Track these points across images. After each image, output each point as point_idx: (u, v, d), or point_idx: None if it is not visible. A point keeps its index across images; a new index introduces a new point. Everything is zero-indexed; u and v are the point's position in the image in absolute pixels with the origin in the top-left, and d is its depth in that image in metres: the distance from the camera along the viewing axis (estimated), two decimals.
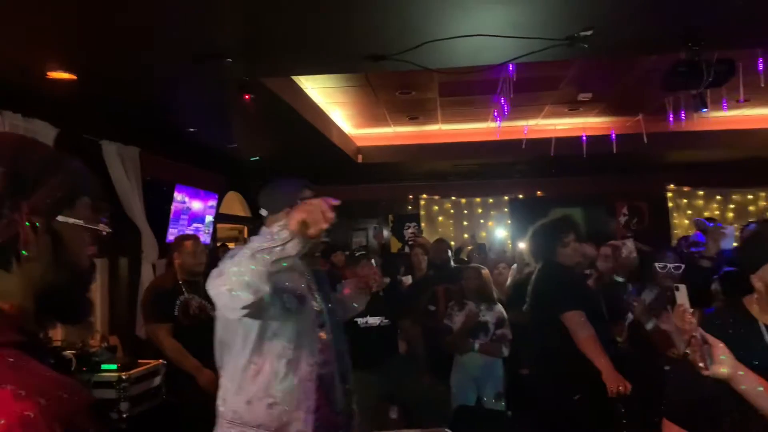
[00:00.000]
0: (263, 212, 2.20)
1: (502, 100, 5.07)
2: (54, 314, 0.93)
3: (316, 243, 2.00)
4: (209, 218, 6.70)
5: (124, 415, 3.56)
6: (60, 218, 0.91)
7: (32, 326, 0.88)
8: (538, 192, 9.45)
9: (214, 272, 1.78)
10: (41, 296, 0.89)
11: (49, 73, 3.47)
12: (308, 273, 2.21)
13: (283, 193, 2.20)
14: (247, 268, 1.68)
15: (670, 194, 9.32)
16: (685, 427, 1.82)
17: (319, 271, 2.34)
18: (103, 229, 0.98)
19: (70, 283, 0.92)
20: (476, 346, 4.20)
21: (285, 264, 1.72)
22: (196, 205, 6.49)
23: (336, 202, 1.74)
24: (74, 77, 3.55)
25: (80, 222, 0.93)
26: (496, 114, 6.08)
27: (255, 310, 1.78)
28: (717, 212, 9.03)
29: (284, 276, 1.95)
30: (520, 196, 9.53)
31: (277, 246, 1.67)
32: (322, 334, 2.13)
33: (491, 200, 9.62)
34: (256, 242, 1.72)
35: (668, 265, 3.50)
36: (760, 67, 4.09)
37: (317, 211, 1.68)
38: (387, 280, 2.17)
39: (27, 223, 0.85)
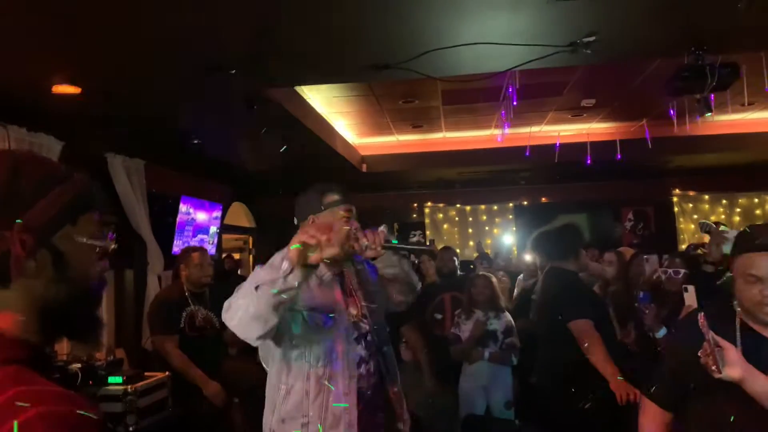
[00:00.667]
0: (296, 221, 2.13)
1: (506, 107, 5.07)
2: (60, 331, 0.92)
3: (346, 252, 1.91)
4: (213, 229, 6.71)
5: (131, 429, 3.53)
6: (61, 235, 0.90)
7: (37, 342, 0.88)
8: (543, 198, 9.43)
9: (225, 305, 1.78)
10: (45, 313, 0.88)
11: (54, 87, 3.49)
12: (353, 273, 2.11)
13: (307, 200, 2.10)
14: (252, 301, 1.65)
15: (675, 199, 9.27)
16: (665, 408, 1.87)
17: (363, 267, 2.19)
18: (109, 245, 0.98)
19: (75, 299, 0.91)
20: (487, 355, 4.18)
21: (291, 294, 1.64)
22: (201, 217, 6.50)
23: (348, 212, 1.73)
24: (79, 90, 3.56)
25: (83, 239, 0.92)
26: (499, 121, 6.08)
27: (273, 337, 1.77)
28: (723, 216, 8.98)
29: (311, 293, 1.90)
30: (525, 202, 9.50)
31: (278, 279, 1.61)
32: (359, 348, 2.02)
33: (496, 207, 9.60)
34: (259, 274, 1.67)
35: (668, 270, 3.48)
36: None
37: (323, 231, 1.62)
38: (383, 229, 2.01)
39: (21, 240, 0.84)
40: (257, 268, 1.73)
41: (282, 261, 1.62)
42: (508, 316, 4.35)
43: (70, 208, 0.92)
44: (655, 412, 1.89)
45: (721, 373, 1.57)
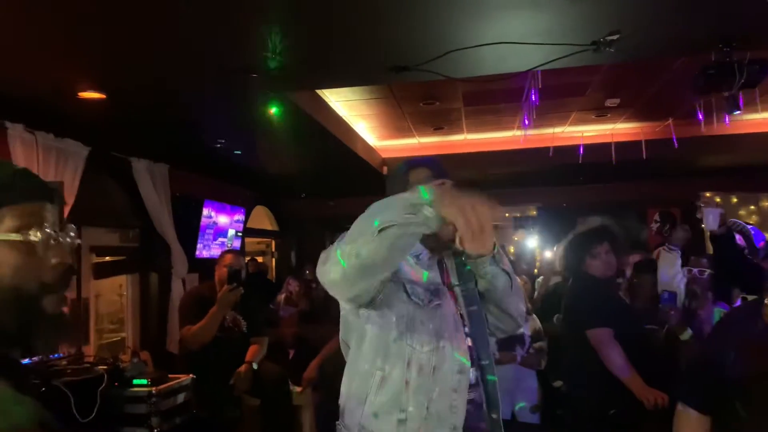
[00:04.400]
0: None
1: (528, 107, 5.02)
2: (3, 338, 0.84)
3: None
4: (232, 232, 6.78)
5: (156, 430, 3.57)
6: None
7: None
8: (567, 200, 9.32)
9: (323, 256, 1.51)
10: (14, 311, 0.83)
11: (80, 93, 3.55)
12: (449, 263, 1.78)
13: (394, 177, 1.81)
14: (369, 244, 1.34)
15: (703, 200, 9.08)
16: (701, 411, 1.78)
17: (462, 264, 1.79)
18: (29, 237, 0.86)
19: (7, 304, 0.83)
20: (519, 358, 4.13)
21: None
22: (222, 220, 6.57)
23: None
24: (104, 96, 3.61)
25: (3, 235, 0.85)
26: (522, 122, 6.03)
27: (370, 297, 1.53)
28: (755, 217, 8.78)
29: (409, 268, 1.65)
30: (548, 204, 9.40)
31: (413, 223, 1.31)
32: (468, 340, 1.68)
33: (519, 209, 9.51)
34: (383, 214, 1.35)
35: (693, 269, 3.41)
36: None
37: (484, 220, 1.38)
38: None
39: None
40: (372, 207, 1.42)
41: (421, 206, 1.33)
42: (536, 319, 4.29)
43: None
44: (693, 420, 1.80)
45: None
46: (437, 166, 1.76)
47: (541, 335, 4.20)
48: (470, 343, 1.67)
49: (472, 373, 1.64)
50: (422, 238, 1.45)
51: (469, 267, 1.74)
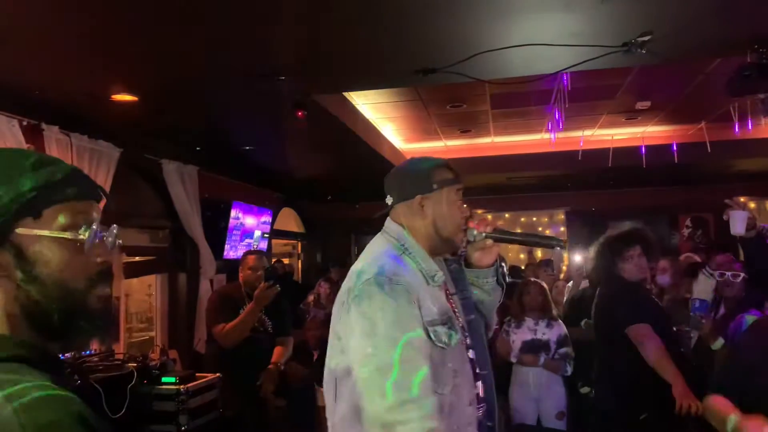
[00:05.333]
0: (388, 200, 1.72)
1: (557, 110, 4.97)
2: (42, 333, 0.85)
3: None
4: (257, 233, 6.84)
5: (183, 428, 3.62)
6: (20, 231, 0.84)
7: (36, 342, 0.84)
8: (596, 204, 9.19)
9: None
10: (26, 314, 0.84)
11: (113, 96, 3.63)
12: (445, 271, 1.70)
13: (413, 176, 1.69)
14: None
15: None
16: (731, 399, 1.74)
17: (460, 272, 1.75)
18: (84, 236, 0.87)
19: (52, 300, 0.84)
20: (542, 361, 4.09)
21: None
22: (249, 221, 6.64)
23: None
24: (136, 99, 3.69)
25: (46, 233, 0.85)
26: (550, 125, 5.97)
27: None
28: None
29: (428, 298, 1.54)
30: (578, 208, 9.28)
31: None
32: (470, 353, 1.63)
33: (546, 213, 9.41)
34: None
35: (726, 273, 3.31)
36: None
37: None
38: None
39: None
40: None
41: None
42: (561, 325, 4.24)
43: (26, 201, 0.84)
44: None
45: None
46: (458, 171, 1.73)
47: (567, 341, 4.15)
48: (471, 356, 1.63)
49: (477, 389, 1.61)
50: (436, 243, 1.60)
51: (470, 277, 1.76)
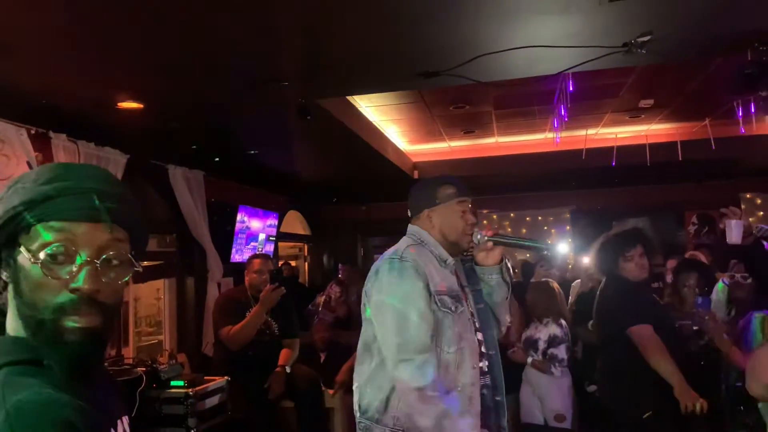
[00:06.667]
0: (409, 214, 2.12)
1: (560, 110, 4.98)
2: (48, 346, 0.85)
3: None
4: (262, 236, 6.88)
5: (192, 431, 3.65)
6: (19, 251, 0.85)
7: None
8: (601, 203, 9.17)
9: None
10: (26, 324, 0.84)
11: (119, 104, 3.67)
12: (459, 267, 2.10)
13: (421, 193, 2.09)
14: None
15: (744, 204, 8.84)
16: None
17: (471, 269, 2.14)
18: (67, 273, 0.84)
19: (29, 318, 0.84)
20: (530, 360, 4.12)
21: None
22: (255, 225, 6.67)
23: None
24: (141, 106, 3.73)
25: (21, 249, 0.84)
26: (554, 124, 5.97)
27: None
28: None
29: (438, 276, 1.92)
30: (582, 207, 9.27)
31: None
32: (479, 335, 1.99)
33: (551, 212, 9.40)
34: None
35: (735, 275, 3.31)
36: None
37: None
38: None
39: None
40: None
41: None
42: (557, 326, 4.20)
43: (15, 215, 0.84)
44: None
45: None
46: (462, 185, 2.07)
47: (559, 341, 4.13)
48: (480, 337, 1.99)
49: (483, 363, 1.96)
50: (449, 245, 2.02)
51: (478, 273, 2.10)
